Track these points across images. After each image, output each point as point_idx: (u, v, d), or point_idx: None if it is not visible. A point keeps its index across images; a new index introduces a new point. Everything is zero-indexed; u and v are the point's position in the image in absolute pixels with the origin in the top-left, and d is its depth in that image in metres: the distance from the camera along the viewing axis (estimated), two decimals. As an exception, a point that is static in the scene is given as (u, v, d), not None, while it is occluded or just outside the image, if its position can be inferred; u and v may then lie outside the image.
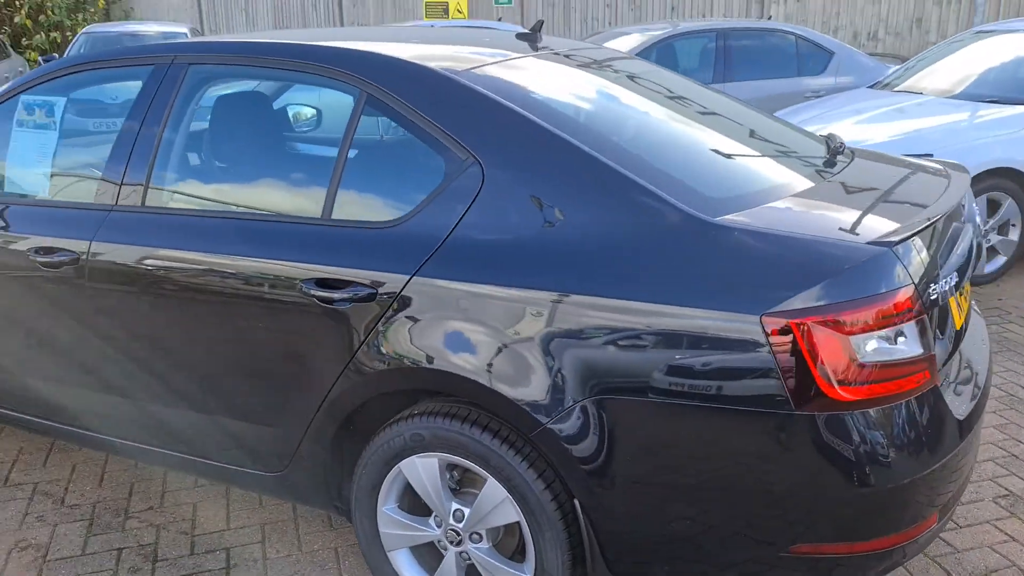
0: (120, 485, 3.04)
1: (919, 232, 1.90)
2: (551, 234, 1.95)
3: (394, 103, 2.18)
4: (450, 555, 2.19)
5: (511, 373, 1.93)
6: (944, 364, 2.02)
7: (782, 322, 1.74)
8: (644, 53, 6.92)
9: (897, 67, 6.53)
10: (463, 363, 1.98)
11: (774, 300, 1.75)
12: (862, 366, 1.76)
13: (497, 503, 2.05)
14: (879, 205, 2.10)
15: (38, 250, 2.57)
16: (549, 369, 1.90)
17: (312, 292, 2.14)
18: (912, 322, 1.81)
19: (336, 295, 2.11)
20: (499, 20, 11.75)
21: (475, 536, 2.13)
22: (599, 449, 1.89)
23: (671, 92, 2.63)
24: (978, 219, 2.52)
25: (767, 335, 1.75)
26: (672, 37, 6.99)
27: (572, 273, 1.89)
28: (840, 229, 1.89)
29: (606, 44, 7.29)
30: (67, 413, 2.73)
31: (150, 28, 11.60)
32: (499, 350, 1.95)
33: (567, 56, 2.60)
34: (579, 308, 1.87)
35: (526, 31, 2.74)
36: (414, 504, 2.24)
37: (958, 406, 2.00)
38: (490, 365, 1.95)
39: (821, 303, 1.74)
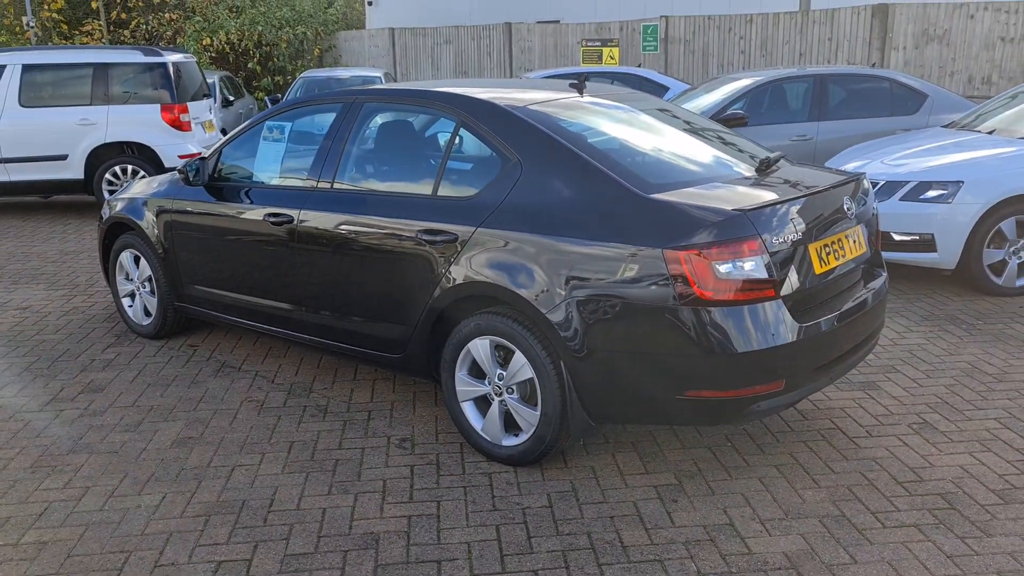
0: (308, 375, 4.63)
1: (771, 205, 3.11)
2: (553, 203, 3.31)
3: (475, 126, 3.63)
4: (495, 404, 3.55)
5: (527, 283, 3.29)
6: (799, 289, 3.17)
7: (674, 254, 3.01)
8: (750, 95, 8.05)
9: (974, 108, 7.30)
10: (500, 278, 3.36)
11: (671, 241, 3.03)
12: (721, 280, 2.99)
13: (520, 365, 3.40)
14: (764, 191, 3.31)
15: (269, 215, 4.21)
16: (548, 281, 3.24)
17: (423, 238, 3.61)
18: (757, 257, 3.02)
19: (435, 239, 3.56)
20: (639, 66, 13.12)
21: (510, 389, 3.49)
22: (573, 329, 3.20)
23: (660, 117, 3.96)
24: (873, 205, 3.68)
25: (665, 261, 3.02)
26: (773, 82, 8.08)
27: (561, 225, 3.24)
28: (722, 202, 3.13)
29: (721, 87, 8.48)
30: (279, 320, 4.35)
31: (352, 73, 13.86)
32: (521, 269, 3.31)
33: (595, 97, 3.97)
34: (564, 245, 3.21)
35: (576, 82, 4.12)
36: (477, 373, 3.63)
37: (803, 317, 3.16)
38: (515, 278, 3.32)
39: (696, 242, 3.00)
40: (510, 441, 3.53)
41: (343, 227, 3.91)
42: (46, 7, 22.05)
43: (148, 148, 9.18)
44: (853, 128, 7.85)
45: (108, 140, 9.12)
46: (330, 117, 4.20)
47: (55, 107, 9.13)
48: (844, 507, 3.20)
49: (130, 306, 5.31)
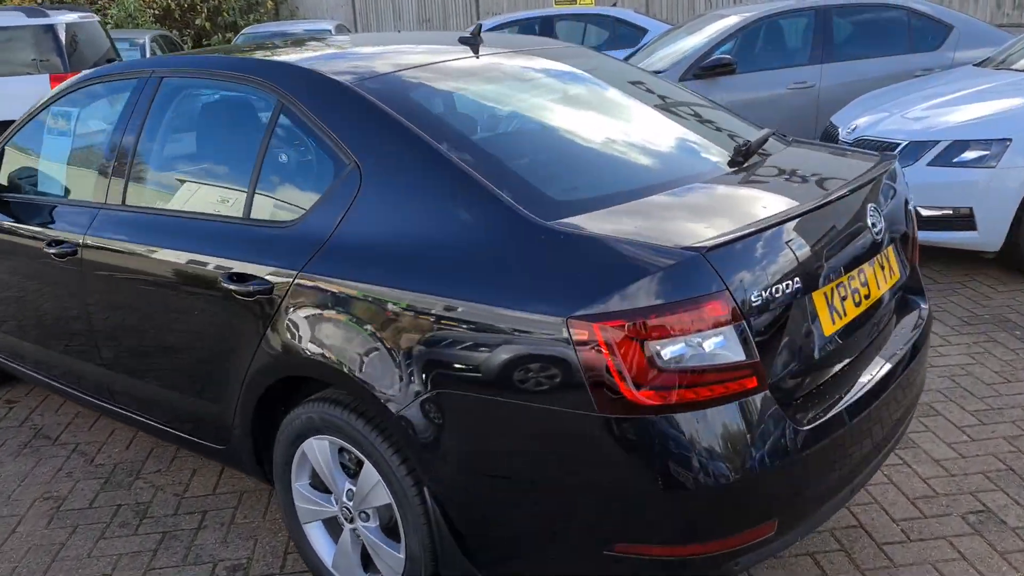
0: (143, 449, 3.43)
1: (747, 235, 1.85)
2: (405, 234, 2.07)
3: (298, 110, 2.36)
4: (346, 531, 2.36)
5: (368, 364, 2.07)
6: (799, 368, 1.95)
7: (586, 326, 1.77)
8: (740, 35, 6.71)
9: (1011, 40, 5.96)
10: (330, 352, 2.14)
11: (581, 303, 1.78)
12: (665, 371, 1.75)
13: (372, 485, 2.20)
14: (739, 204, 2.06)
15: (50, 243, 2.97)
16: (397, 363, 2.02)
17: (227, 286, 2.37)
18: (727, 328, 1.78)
19: (245, 287, 2.33)
20: (614, 5, 11.64)
21: (363, 515, 2.29)
22: (438, 439, 1.99)
23: (592, 83, 2.66)
24: (906, 196, 2.42)
25: (572, 338, 1.78)
26: (767, 18, 6.72)
27: (414, 271, 2.00)
28: (668, 230, 1.88)
29: (706, 27, 7.12)
30: (84, 383, 3.14)
31: (299, 27, 12.43)
32: (359, 344, 2.09)
33: (497, 56, 2.68)
34: (420, 306, 1.97)
35: (467, 35, 2.82)
36: (322, 483, 2.43)
37: (806, 412, 1.94)
38: (353, 357, 2.10)
39: (624, 307, 1.75)
40: (371, 586, 2.35)
41: (134, 262, 2.68)
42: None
43: (38, 127, 7.86)
44: (864, 70, 6.51)
45: (-10, 121, 7.81)
46: (124, 99, 2.94)
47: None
48: None
49: (-69, 351, 4.09)
